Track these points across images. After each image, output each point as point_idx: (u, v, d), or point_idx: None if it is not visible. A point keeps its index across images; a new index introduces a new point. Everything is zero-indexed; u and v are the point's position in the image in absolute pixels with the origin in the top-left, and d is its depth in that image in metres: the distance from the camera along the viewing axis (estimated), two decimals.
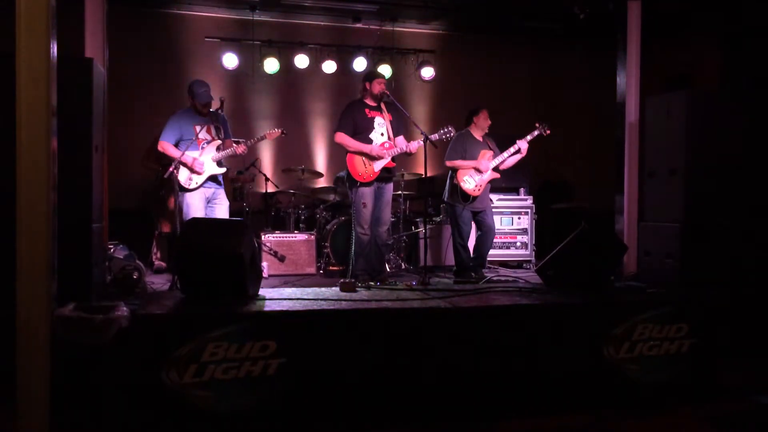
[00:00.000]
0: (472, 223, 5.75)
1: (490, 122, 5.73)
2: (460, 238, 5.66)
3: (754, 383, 4.13)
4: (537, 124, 5.60)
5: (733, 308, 4.35)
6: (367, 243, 5.21)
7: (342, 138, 5.21)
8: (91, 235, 3.79)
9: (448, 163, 5.68)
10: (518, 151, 5.59)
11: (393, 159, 5.26)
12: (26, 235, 2.94)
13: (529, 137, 5.57)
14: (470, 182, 5.55)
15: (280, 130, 5.41)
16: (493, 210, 6.06)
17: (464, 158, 5.61)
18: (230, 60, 7.34)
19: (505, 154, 5.62)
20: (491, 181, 5.69)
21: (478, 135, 5.73)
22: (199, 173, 4.99)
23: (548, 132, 5.59)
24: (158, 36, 7.42)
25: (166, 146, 5.00)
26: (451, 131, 5.22)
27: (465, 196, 5.56)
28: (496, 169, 5.67)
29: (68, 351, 3.07)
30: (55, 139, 3.07)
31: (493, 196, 6.34)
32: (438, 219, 6.89)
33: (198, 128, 5.02)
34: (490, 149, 5.68)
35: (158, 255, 6.45)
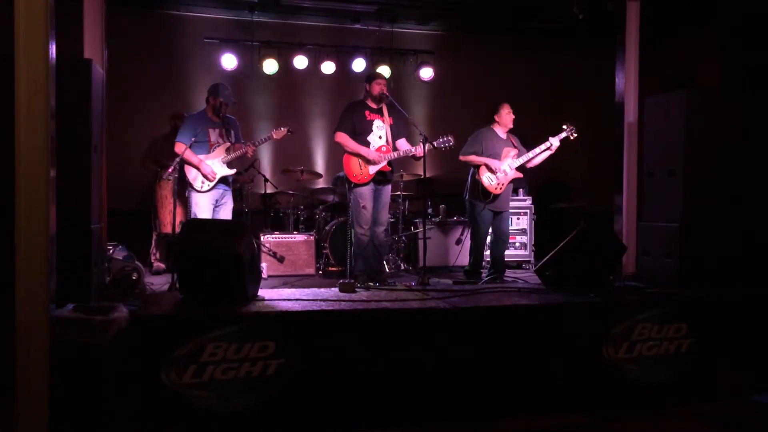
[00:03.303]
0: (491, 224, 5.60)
1: (513, 116, 5.54)
2: (478, 237, 5.56)
3: (754, 383, 4.13)
4: (564, 126, 5.47)
5: (733, 308, 4.35)
6: (366, 244, 5.21)
7: (341, 138, 5.22)
8: (91, 235, 3.79)
9: (462, 158, 5.53)
10: (549, 148, 5.43)
11: (390, 163, 5.26)
12: (26, 236, 2.93)
13: (560, 136, 5.44)
14: (492, 179, 5.41)
15: (286, 129, 5.38)
16: None
17: (481, 155, 5.47)
18: (229, 61, 7.34)
19: (537, 150, 5.45)
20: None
21: (501, 132, 5.56)
22: (210, 179, 5.05)
23: (575, 136, 5.47)
24: (157, 37, 7.42)
25: (182, 147, 4.97)
26: (450, 140, 5.10)
27: (486, 194, 5.41)
28: (522, 168, 5.55)
29: (68, 352, 3.07)
30: (54, 139, 3.07)
31: None
32: (437, 219, 6.89)
33: (212, 132, 5.13)
34: (515, 147, 5.54)
35: (157, 256, 6.45)
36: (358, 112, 5.26)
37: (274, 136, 5.31)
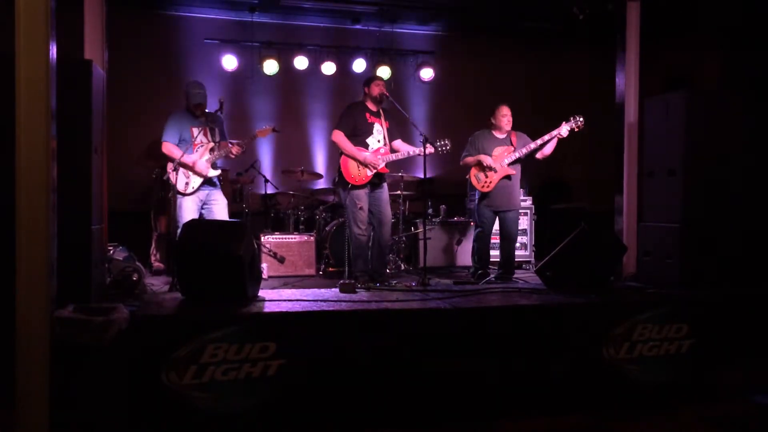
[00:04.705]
0: (495, 223, 5.63)
1: (507, 118, 5.48)
2: (478, 235, 5.62)
3: (754, 383, 4.13)
4: (572, 117, 5.34)
5: (733, 308, 4.35)
6: (365, 243, 5.22)
7: (339, 138, 5.21)
8: (91, 236, 3.80)
9: (461, 162, 5.64)
10: (548, 141, 5.35)
11: (386, 165, 5.26)
12: (26, 237, 2.94)
13: (569, 127, 5.31)
14: (479, 177, 5.50)
15: (270, 127, 5.35)
16: None
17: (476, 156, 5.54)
18: (229, 61, 7.35)
19: (539, 141, 5.38)
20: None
21: (498, 133, 5.57)
22: (202, 175, 5.00)
23: (579, 127, 5.32)
24: (157, 38, 7.42)
25: (170, 147, 5.00)
26: (447, 145, 5.14)
27: (477, 192, 5.58)
28: (526, 164, 5.56)
29: (68, 352, 3.07)
30: (55, 140, 3.08)
31: None
32: (438, 220, 6.89)
33: (195, 131, 5.04)
34: (512, 145, 5.51)
35: (157, 256, 6.45)
36: (360, 113, 5.27)
37: (258, 135, 5.29)
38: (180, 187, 4.98)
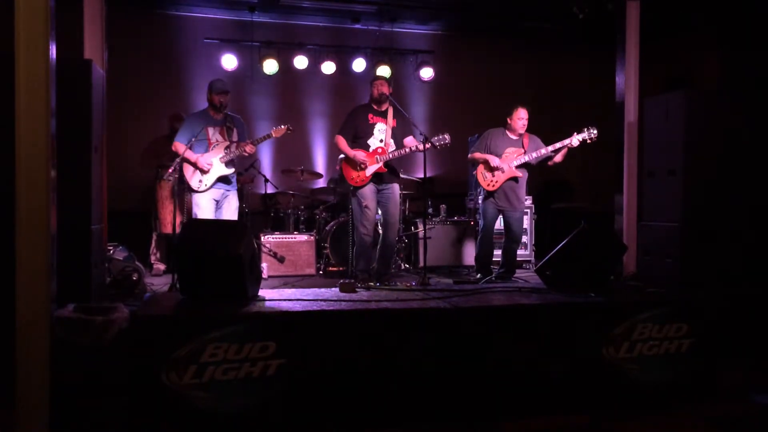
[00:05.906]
0: (499, 220, 5.65)
1: (523, 120, 5.46)
2: (480, 232, 5.64)
3: (754, 383, 4.13)
4: (585, 129, 5.29)
5: (733, 308, 4.35)
6: (368, 244, 5.21)
7: (337, 141, 5.29)
8: (91, 236, 3.80)
9: (468, 156, 5.69)
10: (559, 150, 5.36)
11: (388, 164, 5.25)
12: (26, 236, 2.94)
13: (581, 137, 5.29)
14: (485, 176, 5.53)
15: (286, 127, 5.34)
16: None
17: (484, 153, 5.55)
18: (229, 61, 7.35)
19: (550, 148, 5.37)
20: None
21: (513, 134, 5.56)
22: (205, 170, 5.00)
23: (593, 139, 5.27)
24: (157, 37, 7.42)
25: (177, 146, 5.02)
26: (446, 138, 5.12)
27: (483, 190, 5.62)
28: (533, 167, 5.60)
29: (68, 352, 3.07)
30: (55, 140, 3.08)
31: None
32: (438, 219, 6.89)
33: (211, 130, 5.08)
34: (522, 148, 5.50)
35: (157, 256, 6.45)
36: (361, 116, 5.29)
37: (274, 135, 5.28)
38: (194, 184, 5.02)
